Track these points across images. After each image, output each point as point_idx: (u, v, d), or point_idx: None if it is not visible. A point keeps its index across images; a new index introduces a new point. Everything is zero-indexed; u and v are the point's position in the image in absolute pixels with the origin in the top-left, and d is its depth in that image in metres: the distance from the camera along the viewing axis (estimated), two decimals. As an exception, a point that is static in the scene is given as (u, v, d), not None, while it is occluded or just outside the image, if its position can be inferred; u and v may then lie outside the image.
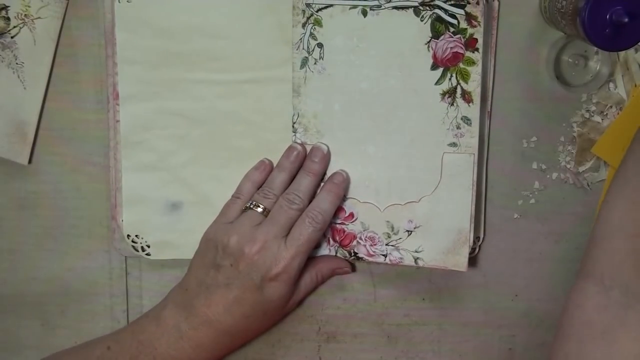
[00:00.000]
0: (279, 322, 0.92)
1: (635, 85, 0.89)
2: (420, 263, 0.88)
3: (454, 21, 0.84)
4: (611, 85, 0.90)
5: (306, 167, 0.87)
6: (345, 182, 0.88)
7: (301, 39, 0.86)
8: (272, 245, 0.83)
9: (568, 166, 0.91)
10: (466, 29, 0.84)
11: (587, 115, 0.90)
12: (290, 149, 0.88)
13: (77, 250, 0.93)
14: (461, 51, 0.85)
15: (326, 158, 0.88)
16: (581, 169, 0.91)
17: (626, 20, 0.75)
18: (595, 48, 0.87)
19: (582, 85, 0.90)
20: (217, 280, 0.84)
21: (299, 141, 0.88)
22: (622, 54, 0.89)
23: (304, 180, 0.87)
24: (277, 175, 0.87)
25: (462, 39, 0.85)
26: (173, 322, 0.84)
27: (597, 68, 0.89)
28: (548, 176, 0.92)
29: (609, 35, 0.77)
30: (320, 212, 0.85)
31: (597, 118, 0.90)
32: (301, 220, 0.85)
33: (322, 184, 0.88)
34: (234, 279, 0.83)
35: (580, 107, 0.90)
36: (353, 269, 0.93)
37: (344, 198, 0.88)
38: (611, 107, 0.90)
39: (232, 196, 0.89)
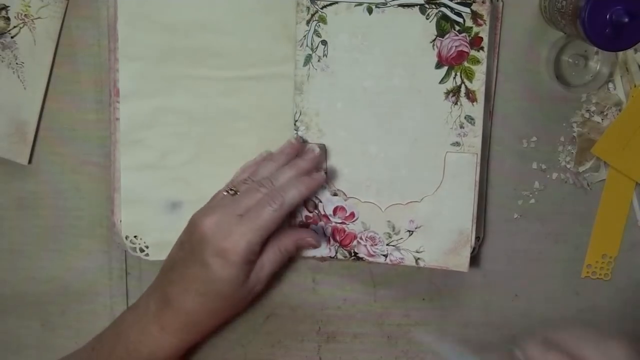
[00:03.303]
0: (249, 304, 0.90)
1: (635, 86, 0.90)
2: (421, 263, 0.89)
3: (460, 19, 0.85)
4: (610, 85, 0.91)
5: (293, 161, 0.86)
6: (318, 166, 0.87)
7: (305, 36, 0.86)
8: (225, 220, 0.81)
9: (568, 166, 0.92)
10: (472, 27, 0.85)
11: (587, 115, 0.91)
12: (287, 143, 0.88)
13: (77, 250, 0.92)
14: (466, 50, 0.85)
15: (315, 160, 0.86)
16: (581, 169, 0.92)
17: (626, 20, 0.76)
18: (595, 48, 0.87)
19: (582, 85, 0.90)
20: (178, 256, 0.84)
21: (300, 139, 0.88)
22: (621, 54, 0.90)
23: (285, 172, 0.85)
24: (265, 165, 0.86)
25: (468, 38, 0.85)
26: (144, 304, 0.85)
27: (597, 68, 0.90)
28: (548, 176, 0.92)
29: (609, 35, 0.78)
30: (282, 194, 0.82)
31: (597, 118, 0.90)
32: (261, 200, 0.82)
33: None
34: (189, 254, 0.83)
35: (580, 107, 0.91)
36: (331, 256, 0.91)
37: (345, 197, 0.88)
38: (611, 107, 0.90)
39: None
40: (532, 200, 0.93)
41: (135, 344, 0.83)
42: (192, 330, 0.85)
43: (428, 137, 0.87)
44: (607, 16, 0.77)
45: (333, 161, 0.88)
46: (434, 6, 0.85)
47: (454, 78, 0.86)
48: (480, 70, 0.86)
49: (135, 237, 0.90)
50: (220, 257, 0.80)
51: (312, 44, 0.87)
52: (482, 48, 0.85)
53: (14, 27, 0.87)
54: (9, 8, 0.86)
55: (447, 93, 0.86)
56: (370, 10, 0.86)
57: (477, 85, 0.86)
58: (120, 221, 0.90)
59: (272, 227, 0.82)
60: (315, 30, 0.86)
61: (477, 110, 0.86)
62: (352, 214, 0.89)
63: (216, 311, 0.85)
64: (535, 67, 0.90)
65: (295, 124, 0.88)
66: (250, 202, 0.82)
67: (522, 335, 0.75)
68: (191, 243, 0.82)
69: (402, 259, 0.89)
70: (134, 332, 0.84)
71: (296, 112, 0.88)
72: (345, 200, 0.89)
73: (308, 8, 0.86)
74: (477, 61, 0.86)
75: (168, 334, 0.83)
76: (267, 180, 0.84)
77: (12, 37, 0.87)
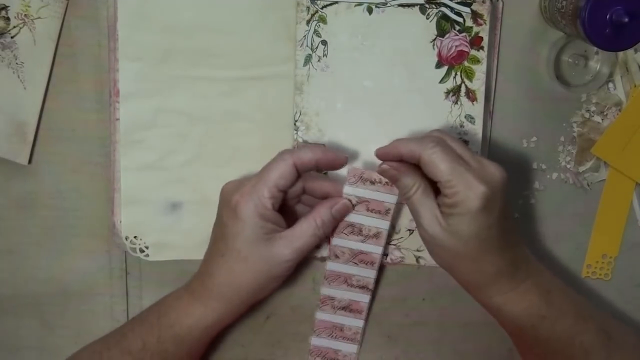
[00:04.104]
0: (280, 280, 0.84)
1: (635, 86, 0.90)
2: (422, 262, 0.89)
3: (460, 19, 0.85)
4: (610, 85, 0.91)
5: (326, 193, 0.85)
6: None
7: (305, 36, 0.86)
8: (243, 180, 0.82)
9: (568, 166, 0.92)
10: (472, 27, 0.85)
11: (587, 115, 0.91)
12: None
13: (77, 250, 0.92)
14: (466, 49, 0.85)
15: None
16: (581, 169, 0.92)
17: (626, 20, 0.76)
18: (595, 48, 0.87)
19: (582, 85, 0.90)
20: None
21: (300, 139, 0.88)
22: (620, 54, 0.90)
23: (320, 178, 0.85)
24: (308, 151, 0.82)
25: (468, 37, 0.85)
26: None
27: (597, 68, 0.90)
28: (548, 176, 0.92)
29: (609, 35, 0.78)
30: (294, 151, 0.81)
31: (597, 118, 0.90)
32: (275, 157, 0.82)
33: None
34: (215, 221, 0.84)
35: (580, 107, 0.91)
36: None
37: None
38: (611, 107, 0.90)
39: None
40: (532, 200, 0.93)
41: (168, 309, 0.84)
42: (220, 298, 0.82)
43: (428, 137, 0.87)
44: (607, 16, 0.77)
45: (333, 161, 0.88)
46: (434, 6, 0.85)
47: (454, 78, 0.86)
48: (480, 70, 0.86)
49: (135, 237, 0.90)
50: (232, 211, 0.80)
51: (312, 44, 0.87)
52: (482, 48, 0.86)
53: (14, 27, 0.87)
54: (9, 8, 0.86)
55: (447, 93, 0.86)
56: (370, 10, 0.86)
57: (477, 85, 0.86)
58: (120, 222, 0.90)
59: (281, 181, 0.80)
60: (315, 30, 0.86)
61: (477, 110, 0.87)
62: (353, 214, 0.89)
63: (239, 275, 0.82)
64: (535, 67, 0.90)
65: (295, 124, 0.88)
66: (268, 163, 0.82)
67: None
68: (218, 209, 0.83)
69: (402, 258, 0.89)
70: (169, 299, 0.85)
71: (296, 112, 0.88)
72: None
73: (308, 8, 0.86)
74: (477, 61, 0.86)
75: (197, 301, 0.83)
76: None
77: (12, 37, 0.87)
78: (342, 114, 0.88)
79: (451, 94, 0.86)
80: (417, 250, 0.88)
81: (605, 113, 0.91)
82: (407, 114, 0.87)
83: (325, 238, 0.85)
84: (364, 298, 0.89)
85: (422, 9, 0.85)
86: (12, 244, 0.92)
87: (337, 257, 0.86)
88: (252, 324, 0.94)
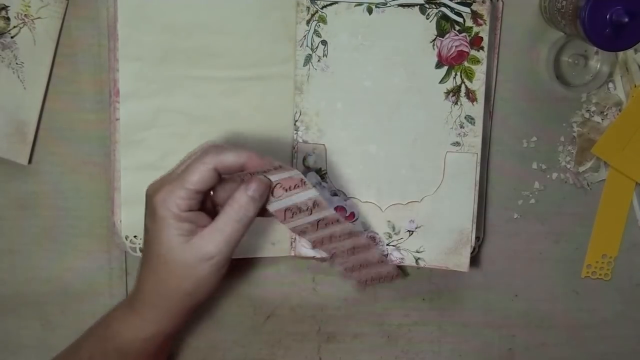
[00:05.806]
0: (215, 281, 0.78)
1: (635, 86, 0.90)
2: (422, 263, 0.88)
3: (460, 19, 0.85)
4: (610, 85, 0.91)
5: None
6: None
7: (305, 36, 0.87)
8: (163, 179, 0.77)
9: (568, 166, 0.92)
10: (472, 27, 0.85)
11: (587, 115, 0.91)
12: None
13: (77, 250, 0.92)
14: (466, 49, 0.85)
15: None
16: (581, 169, 0.92)
17: (626, 20, 0.76)
18: (595, 48, 0.87)
19: (582, 85, 0.90)
20: None
21: (300, 139, 0.88)
22: (620, 54, 0.90)
23: None
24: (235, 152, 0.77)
25: (468, 38, 0.85)
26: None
27: (597, 68, 0.90)
28: (548, 176, 0.92)
29: (609, 35, 0.78)
30: (218, 151, 0.76)
31: (597, 118, 0.90)
32: (195, 157, 0.76)
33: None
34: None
35: (580, 107, 0.91)
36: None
37: (345, 197, 0.88)
38: (611, 107, 0.90)
39: None
40: (532, 200, 0.93)
41: (111, 321, 0.82)
42: (151, 307, 0.79)
43: (428, 137, 0.87)
44: (607, 16, 0.77)
45: (333, 161, 0.88)
46: (434, 6, 0.85)
47: (454, 78, 0.86)
48: (480, 70, 0.86)
49: (135, 237, 0.90)
50: (151, 215, 0.77)
51: (312, 44, 0.87)
52: (482, 48, 0.86)
53: (14, 27, 0.87)
54: (9, 8, 0.86)
55: (447, 93, 0.86)
56: (370, 10, 0.86)
57: (477, 85, 0.86)
58: (120, 221, 0.90)
59: (200, 185, 0.75)
60: (315, 30, 0.86)
61: (477, 110, 0.86)
62: (352, 214, 0.89)
63: (164, 281, 0.77)
64: (535, 67, 0.90)
65: (295, 124, 0.88)
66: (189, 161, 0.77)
67: None
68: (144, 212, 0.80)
69: (402, 259, 0.89)
70: (113, 311, 0.83)
71: (296, 112, 0.88)
72: (345, 200, 0.89)
73: (308, 8, 0.86)
74: (477, 61, 0.86)
75: (133, 312, 0.80)
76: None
77: (12, 37, 0.87)
78: (342, 114, 0.87)
79: (451, 94, 0.86)
80: (417, 252, 0.88)
81: (605, 113, 0.91)
82: (407, 114, 0.87)
83: (252, 221, 0.78)
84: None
85: (422, 9, 0.85)
86: (12, 243, 0.92)
87: (303, 232, 0.83)
88: (252, 324, 0.94)
